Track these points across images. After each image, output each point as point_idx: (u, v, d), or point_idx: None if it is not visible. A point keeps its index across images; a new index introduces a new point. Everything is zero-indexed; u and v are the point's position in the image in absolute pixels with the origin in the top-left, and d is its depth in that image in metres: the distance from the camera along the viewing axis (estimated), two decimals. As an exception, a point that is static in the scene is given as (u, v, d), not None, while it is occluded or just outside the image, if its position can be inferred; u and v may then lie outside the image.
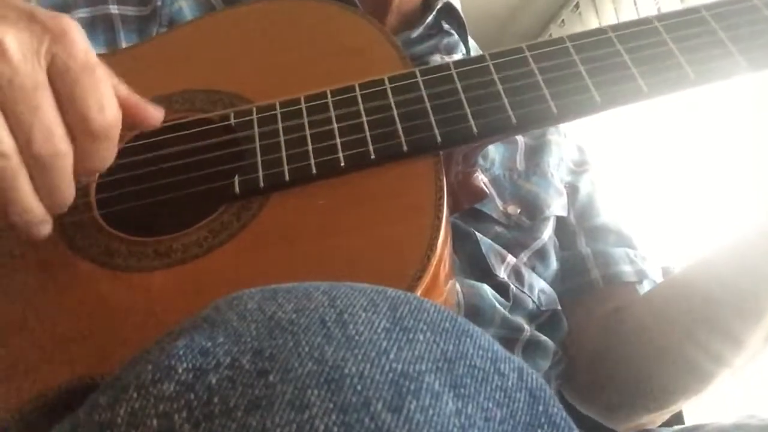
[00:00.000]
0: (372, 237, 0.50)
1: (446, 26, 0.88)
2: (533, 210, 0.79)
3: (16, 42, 0.42)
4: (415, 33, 0.83)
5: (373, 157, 0.54)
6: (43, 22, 0.43)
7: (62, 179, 0.45)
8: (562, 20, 2.99)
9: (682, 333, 0.72)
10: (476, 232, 0.74)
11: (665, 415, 0.79)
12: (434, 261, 0.48)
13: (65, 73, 0.44)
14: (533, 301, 0.75)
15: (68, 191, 0.47)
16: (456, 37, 0.88)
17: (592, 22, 2.76)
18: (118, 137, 0.48)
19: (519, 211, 0.78)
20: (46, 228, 0.47)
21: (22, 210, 0.45)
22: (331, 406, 0.27)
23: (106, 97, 0.46)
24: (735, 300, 0.68)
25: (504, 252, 0.75)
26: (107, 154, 0.47)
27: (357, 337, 0.30)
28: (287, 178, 0.54)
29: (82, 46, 0.44)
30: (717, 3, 0.59)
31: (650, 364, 0.74)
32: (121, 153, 0.56)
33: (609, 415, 0.81)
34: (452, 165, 0.59)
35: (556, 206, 0.82)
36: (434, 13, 0.85)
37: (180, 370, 0.30)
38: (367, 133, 0.55)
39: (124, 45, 0.77)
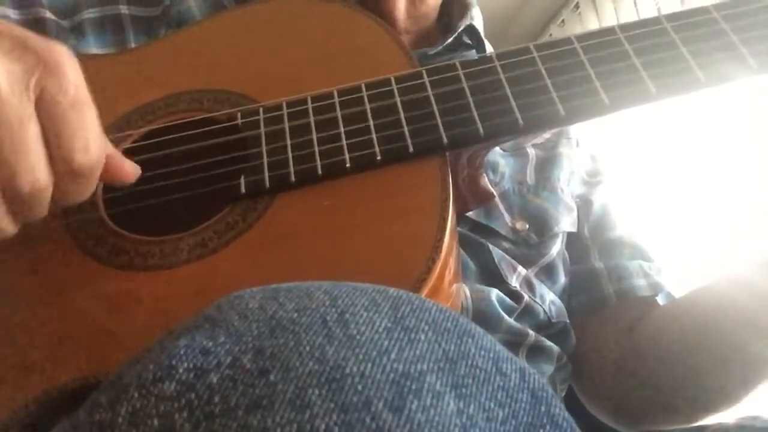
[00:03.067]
0: (377, 238, 0.50)
1: (467, 40, 0.88)
2: (542, 226, 0.78)
3: (5, 74, 0.41)
4: (433, 51, 0.83)
5: (379, 158, 0.53)
6: (36, 52, 0.42)
7: (38, 208, 0.45)
8: (562, 20, 2.99)
9: (701, 356, 0.71)
10: (488, 243, 0.73)
11: (693, 425, 0.78)
12: (439, 263, 0.47)
13: (53, 108, 0.43)
14: (545, 311, 0.74)
15: (41, 215, 0.46)
16: (474, 51, 0.88)
17: (592, 22, 2.75)
18: (98, 176, 0.47)
19: (527, 227, 0.77)
20: (10, 236, 0.47)
21: None
22: (332, 405, 0.27)
23: (92, 137, 0.45)
24: (749, 323, 0.67)
25: (515, 263, 0.75)
26: (85, 191, 0.47)
27: (358, 337, 0.30)
28: (293, 178, 0.53)
29: (73, 81, 0.43)
30: (728, 3, 0.58)
31: (673, 379, 0.73)
32: (129, 153, 0.56)
33: (630, 425, 0.80)
34: (459, 167, 0.58)
35: (566, 223, 0.81)
36: (455, 34, 0.85)
37: (181, 370, 0.30)
38: (374, 134, 0.55)
39: (133, 45, 0.78)
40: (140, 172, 0.52)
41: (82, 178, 0.45)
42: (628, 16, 2.54)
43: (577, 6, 2.89)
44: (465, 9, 0.89)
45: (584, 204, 0.86)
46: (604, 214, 0.87)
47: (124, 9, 0.79)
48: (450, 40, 0.84)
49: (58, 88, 0.43)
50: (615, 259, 0.84)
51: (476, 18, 0.88)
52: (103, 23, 0.78)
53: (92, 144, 0.45)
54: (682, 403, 0.73)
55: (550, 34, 3.06)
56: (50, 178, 0.44)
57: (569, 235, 0.83)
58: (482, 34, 0.88)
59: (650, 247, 0.87)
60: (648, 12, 2.43)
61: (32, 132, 0.42)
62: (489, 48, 0.88)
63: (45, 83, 0.42)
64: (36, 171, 0.43)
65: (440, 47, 0.83)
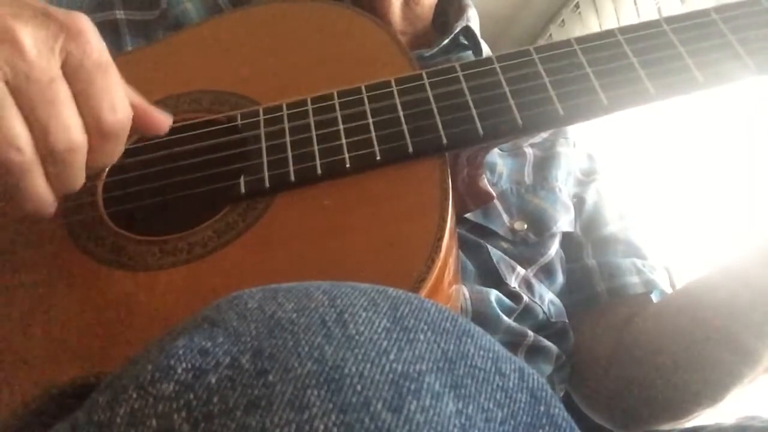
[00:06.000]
0: (376, 238, 0.50)
1: (463, 41, 0.88)
2: (540, 226, 0.78)
3: (32, 38, 0.42)
4: (429, 53, 0.83)
5: (378, 158, 0.53)
6: (58, 19, 0.43)
7: (75, 170, 0.46)
8: (562, 20, 2.99)
9: (693, 346, 0.71)
10: (487, 244, 0.73)
11: (684, 423, 0.78)
12: (438, 263, 0.47)
13: (79, 71, 0.44)
14: (544, 312, 0.74)
15: (79, 181, 0.47)
16: (470, 52, 0.88)
17: (592, 23, 2.76)
18: (126, 136, 0.48)
19: (526, 227, 0.77)
20: (52, 209, 0.47)
21: (34, 199, 0.45)
22: (331, 406, 0.27)
23: (118, 97, 0.46)
24: (742, 315, 0.67)
25: (514, 263, 0.75)
26: (114, 151, 0.48)
27: (357, 337, 0.30)
28: (293, 178, 0.53)
29: (96, 45, 0.45)
30: (726, 6, 0.58)
31: (664, 375, 0.73)
32: (129, 152, 0.56)
33: (624, 424, 0.80)
34: (458, 167, 0.58)
35: (564, 222, 0.81)
36: (451, 36, 0.85)
37: (179, 370, 0.30)
38: (373, 134, 0.55)
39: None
40: (171, 122, 0.53)
41: (111, 138, 0.46)
42: (628, 16, 2.54)
43: (577, 6, 2.89)
44: (461, 10, 0.89)
45: (578, 202, 0.86)
46: (596, 212, 0.87)
47: (120, 14, 0.79)
48: (446, 41, 0.84)
49: (82, 51, 0.44)
50: (608, 257, 0.84)
51: (473, 19, 0.88)
52: (100, 29, 0.77)
53: (118, 103, 0.46)
54: (676, 398, 0.73)
55: (550, 35, 3.07)
56: (84, 136, 0.45)
57: (564, 234, 0.83)
58: (479, 35, 0.88)
59: (645, 244, 0.87)
60: (648, 12, 2.43)
61: (63, 90, 0.43)
62: (486, 49, 0.88)
63: (69, 48, 0.43)
64: (70, 128, 0.44)
65: (436, 48, 0.83)
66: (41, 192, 0.45)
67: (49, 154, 0.44)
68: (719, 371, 0.70)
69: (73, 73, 0.44)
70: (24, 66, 0.41)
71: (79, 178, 0.47)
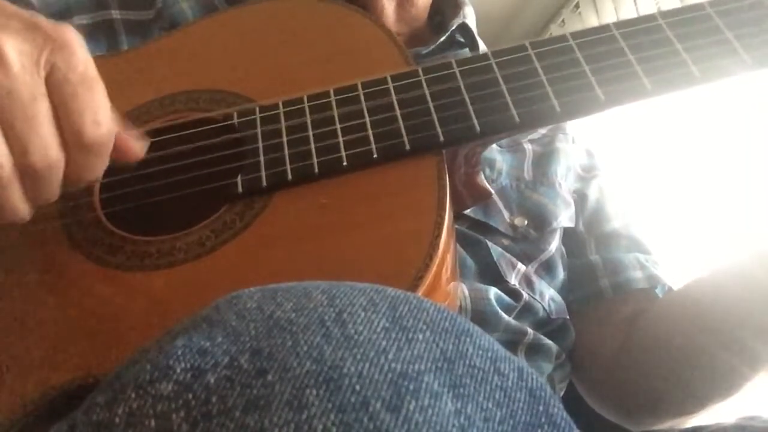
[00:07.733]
0: (374, 236, 0.50)
1: (460, 38, 0.88)
2: (540, 222, 0.78)
3: (16, 52, 0.41)
4: (426, 50, 0.83)
5: (375, 156, 0.53)
6: (44, 31, 0.43)
7: (51, 187, 0.46)
8: (562, 20, 2.99)
9: (696, 345, 0.71)
10: (487, 241, 0.73)
11: (690, 420, 0.78)
12: (436, 260, 0.47)
13: (63, 84, 0.43)
14: (544, 309, 0.74)
15: (54, 196, 0.47)
16: (467, 50, 0.88)
17: (593, 22, 2.74)
18: (109, 152, 0.48)
19: (526, 223, 0.77)
20: (27, 218, 0.47)
21: (10, 212, 0.45)
22: (330, 405, 0.27)
23: (102, 112, 0.45)
24: (742, 315, 0.67)
25: (514, 260, 0.75)
26: (97, 167, 0.47)
27: (356, 337, 0.30)
28: (290, 177, 0.53)
29: (82, 58, 0.44)
30: (721, -1, 0.59)
31: (672, 370, 0.73)
32: None
33: (634, 419, 0.80)
34: (456, 165, 0.58)
35: (564, 217, 0.81)
36: (447, 33, 0.85)
37: (178, 370, 0.30)
38: (370, 132, 0.55)
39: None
40: (148, 144, 0.52)
41: (94, 153, 0.46)
42: (629, 16, 2.53)
43: (577, 6, 2.88)
44: (457, 8, 0.89)
45: (580, 198, 0.86)
46: (599, 207, 0.87)
47: (115, 14, 0.79)
48: (443, 39, 0.84)
49: (68, 65, 0.43)
50: (611, 252, 0.84)
51: (469, 16, 0.88)
52: (95, 29, 0.77)
53: (102, 118, 0.45)
54: (682, 395, 0.73)
55: (550, 34, 3.06)
56: (62, 153, 0.45)
57: (566, 230, 0.83)
58: (475, 32, 0.88)
59: (647, 239, 0.87)
60: (648, 11, 2.43)
61: (44, 108, 0.43)
62: (482, 46, 0.88)
63: (55, 61, 0.43)
64: (48, 146, 0.43)
65: (433, 46, 0.83)
66: (18, 205, 0.45)
67: (27, 171, 0.43)
68: (723, 371, 0.70)
69: (57, 86, 0.43)
70: (6, 81, 0.41)
71: (55, 192, 0.46)
